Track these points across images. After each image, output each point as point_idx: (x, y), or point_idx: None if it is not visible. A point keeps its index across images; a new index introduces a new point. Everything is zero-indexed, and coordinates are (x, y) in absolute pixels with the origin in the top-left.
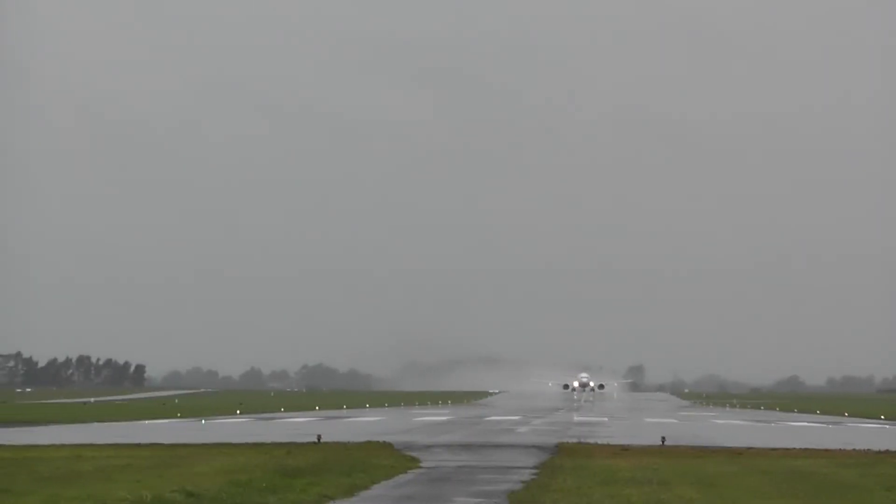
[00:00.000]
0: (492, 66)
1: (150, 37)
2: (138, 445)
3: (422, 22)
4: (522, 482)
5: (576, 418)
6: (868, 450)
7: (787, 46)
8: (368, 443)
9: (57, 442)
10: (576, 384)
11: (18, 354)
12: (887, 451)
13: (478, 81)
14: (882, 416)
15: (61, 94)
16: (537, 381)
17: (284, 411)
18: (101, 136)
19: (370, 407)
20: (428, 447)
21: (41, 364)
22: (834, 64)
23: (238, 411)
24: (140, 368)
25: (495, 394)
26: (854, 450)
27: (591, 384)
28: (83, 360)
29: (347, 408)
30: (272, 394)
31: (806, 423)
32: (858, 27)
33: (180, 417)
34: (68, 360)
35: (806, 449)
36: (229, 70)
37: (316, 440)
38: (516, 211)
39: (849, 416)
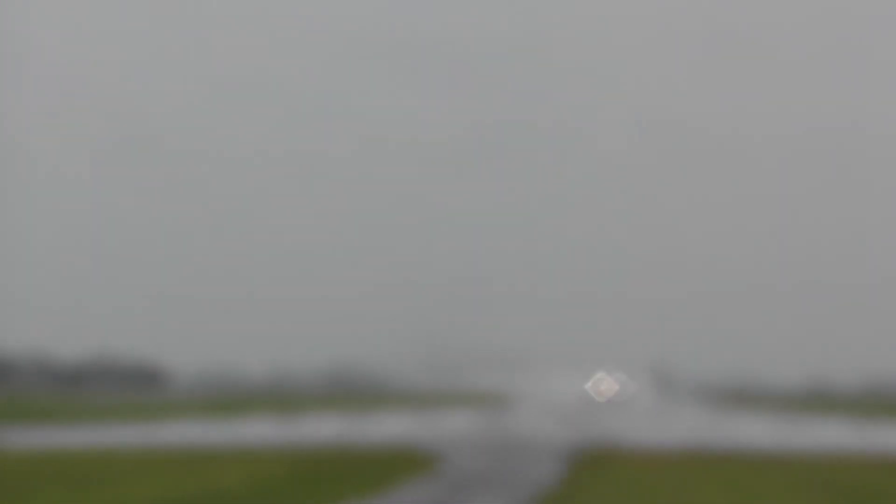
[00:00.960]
0: (504, 67)
1: (151, 35)
2: (162, 447)
3: (435, 21)
4: (548, 486)
5: (600, 422)
6: None
7: (814, 50)
8: (392, 444)
9: (80, 443)
10: (596, 388)
11: (41, 355)
12: None
13: (491, 81)
14: None
15: (67, 93)
16: (557, 383)
17: (307, 412)
18: (113, 135)
19: (392, 408)
20: (451, 449)
21: (65, 364)
22: (857, 67)
23: (261, 412)
24: (164, 370)
25: (514, 395)
26: (890, 454)
27: (614, 387)
28: (107, 361)
29: (369, 409)
30: (295, 394)
31: (839, 427)
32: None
33: (205, 419)
34: (90, 361)
35: (839, 453)
36: (239, 69)
37: (339, 442)
38: (537, 209)
39: (884, 418)
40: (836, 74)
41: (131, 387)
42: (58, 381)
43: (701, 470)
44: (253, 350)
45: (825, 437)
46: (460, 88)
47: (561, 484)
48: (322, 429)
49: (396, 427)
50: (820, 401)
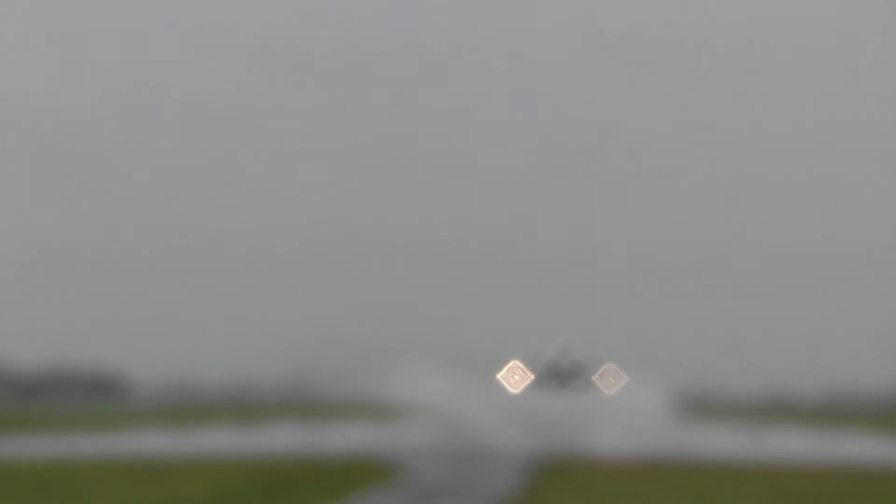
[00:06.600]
0: (403, 69)
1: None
2: (123, 457)
3: (335, 29)
4: (509, 495)
5: (562, 429)
6: (861, 464)
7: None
8: (351, 454)
9: (41, 453)
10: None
11: (0, 364)
12: (881, 466)
13: (390, 85)
14: (874, 430)
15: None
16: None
17: (267, 422)
18: (43, 146)
19: (351, 417)
20: (410, 458)
21: (24, 374)
22: (769, 67)
23: (220, 422)
24: (124, 379)
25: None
26: (846, 463)
27: (569, 368)
28: (67, 371)
29: (328, 418)
30: (255, 404)
31: (797, 437)
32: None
33: (164, 429)
34: (49, 370)
35: (797, 463)
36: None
37: (299, 451)
38: (466, 208)
39: (841, 429)
40: (751, 76)
41: (92, 396)
42: (17, 390)
43: (663, 479)
44: (212, 359)
45: (786, 447)
46: (365, 98)
47: (522, 493)
48: (282, 438)
49: (356, 436)
50: (781, 410)
